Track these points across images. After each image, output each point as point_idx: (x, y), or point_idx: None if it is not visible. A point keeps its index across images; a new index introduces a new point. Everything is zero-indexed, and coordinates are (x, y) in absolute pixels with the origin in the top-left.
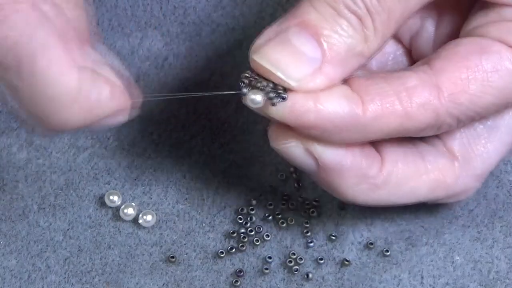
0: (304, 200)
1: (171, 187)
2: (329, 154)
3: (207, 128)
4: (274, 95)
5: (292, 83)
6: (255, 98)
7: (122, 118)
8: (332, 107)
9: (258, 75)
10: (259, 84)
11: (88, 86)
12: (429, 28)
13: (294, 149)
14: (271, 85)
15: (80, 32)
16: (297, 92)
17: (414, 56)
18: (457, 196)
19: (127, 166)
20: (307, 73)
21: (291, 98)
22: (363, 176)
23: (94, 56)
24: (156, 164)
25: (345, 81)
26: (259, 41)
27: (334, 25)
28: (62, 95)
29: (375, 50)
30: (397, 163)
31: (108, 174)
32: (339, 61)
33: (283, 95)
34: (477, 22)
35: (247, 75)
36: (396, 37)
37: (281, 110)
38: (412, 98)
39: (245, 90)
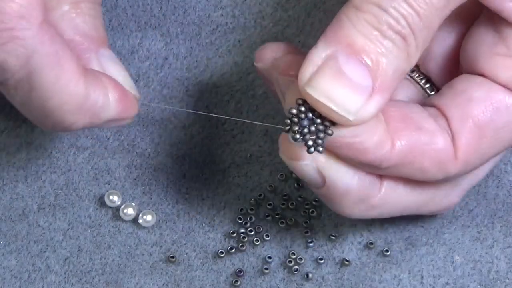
0: (304, 200)
1: (171, 187)
2: (339, 176)
3: (207, 128)
4: (312, 143)
5: (349, 118)
6: (297, 138)
7: (128, 120)
8: (369, 144)
9: (306, 105)
10: (303, 130)
11: (95, 92)
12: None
13: (305, 167)
14: (313, 128)
15: (96, 31)
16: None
17: None
18: (439, 211)
19: (127, 166)
20: (362, 104)
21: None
22: (365, 197)
23: (105, 59)
24: (156, 164)
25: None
26: (308, 69)
27: (380, 48)
28: (69, 103)
29: (413, 66)
30: (397, 185)
31: (108, 174)
32: (387, 85)
33: (318, 148)
34: (484, 48)
35: (294, 111)
36: None
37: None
38: (432, 156)
39: (287, 128)
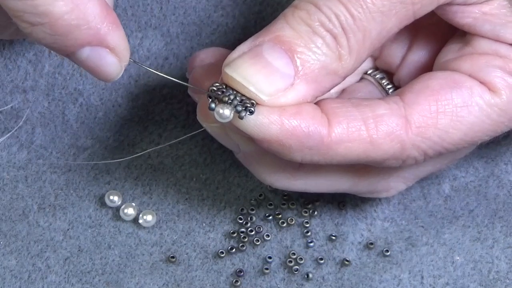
0: (304, 200)
1: (171, 187)
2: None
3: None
4: (242, 108)
5: (263, 97)
6: (223, 112)
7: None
8: (297, 122)
9: (226, 87)
10: (226, 98)
11: None
12: (400, 54)
13: (216, 129)
14: (238, 98)
15: None
16: (264, 106)
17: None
18: (378, 193)
19: (127, 166)
20: (279, 88)
21: (257, 110)
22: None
23: None
24: (156, 164)
25: (317, 102)
26: (232, 55)
27: (308, 42)
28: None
29: (349, 70)
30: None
31: (108, 174)
32: (312, 78)
33: (250, 108)
34: (452, 55)
35: (214, 88)
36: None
37: (246, 123)
38: (379, 126)
39: (212, 105)
